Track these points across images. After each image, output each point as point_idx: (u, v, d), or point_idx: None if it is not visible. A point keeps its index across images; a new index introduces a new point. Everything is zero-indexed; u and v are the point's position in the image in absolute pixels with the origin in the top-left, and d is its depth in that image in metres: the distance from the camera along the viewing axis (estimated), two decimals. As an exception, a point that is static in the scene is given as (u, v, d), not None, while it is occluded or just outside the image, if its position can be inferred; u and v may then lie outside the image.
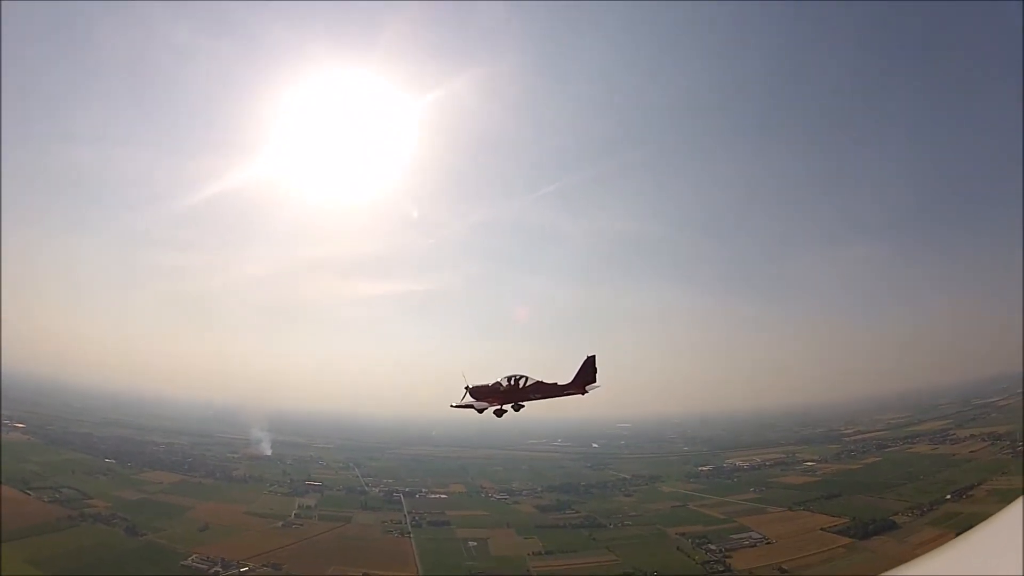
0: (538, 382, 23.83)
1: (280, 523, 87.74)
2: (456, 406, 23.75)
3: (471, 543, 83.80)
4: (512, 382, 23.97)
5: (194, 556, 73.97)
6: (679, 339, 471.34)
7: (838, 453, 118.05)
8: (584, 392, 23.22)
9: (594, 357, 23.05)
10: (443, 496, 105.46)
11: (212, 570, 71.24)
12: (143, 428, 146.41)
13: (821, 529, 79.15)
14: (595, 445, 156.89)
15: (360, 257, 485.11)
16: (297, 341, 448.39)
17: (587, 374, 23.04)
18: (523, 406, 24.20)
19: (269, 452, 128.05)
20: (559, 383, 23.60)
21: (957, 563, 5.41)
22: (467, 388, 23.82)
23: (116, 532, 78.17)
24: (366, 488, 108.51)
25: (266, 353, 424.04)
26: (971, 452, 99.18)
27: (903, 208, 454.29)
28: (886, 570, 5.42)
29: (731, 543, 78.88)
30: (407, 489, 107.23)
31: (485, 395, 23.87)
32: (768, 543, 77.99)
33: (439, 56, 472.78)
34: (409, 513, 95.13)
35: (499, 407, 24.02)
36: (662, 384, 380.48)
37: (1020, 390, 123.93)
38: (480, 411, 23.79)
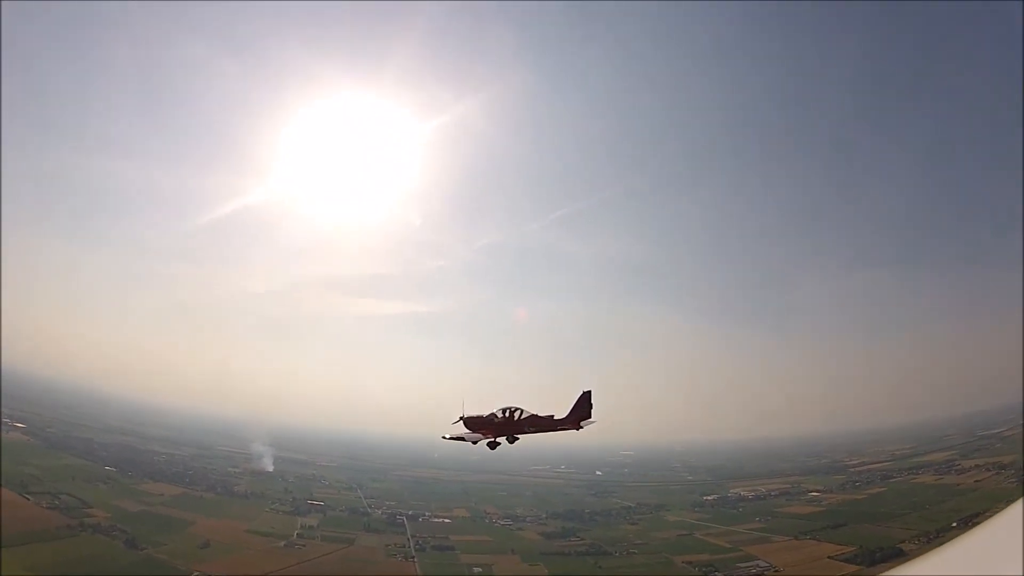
0: (533, 415, 23.49)
1: (283, 543, 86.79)
2: (448, 438, 23.44)
3: (475, 569, 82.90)
4: (507, 414, 23.44)
5: (195, 574, 73.22)
6: (682, 365, 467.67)
7: (843, 483, 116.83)
8: (579, 428, 23.05)
9: (590, 392, 22.83)
10: (447, 520, 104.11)
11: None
12: (144, 437, 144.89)
13: (828, 557, 78.50)
14: (599, 472, 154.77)
15: (367, 277, 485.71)
16: (301, 357, 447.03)
17: (582, 409, 22.79)
18: (518, 438, 23.86)
19: (271, 468, 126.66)
20: (554, 416, 23.32)
21: (957, 563, 5.54)
22: (461, 418, 23.50)
23: (116, 544, 77.21)
24: (369, 510, 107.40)
25: (270, 368, 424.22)
26: (976, 481, 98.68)
27: (908, 234, 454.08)
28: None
29: (738, 571, 78.31)
30: (410, 512, 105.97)
31: (479, 427, 23.36)
32: (776, 571, 77.55)
33: (447, 79, 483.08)
34: (413, 537, 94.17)
35: (493, 439, 23.60)
36: (665, 411, 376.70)
37: (1021, 421, 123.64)
38: (474, 443, 23.39)
